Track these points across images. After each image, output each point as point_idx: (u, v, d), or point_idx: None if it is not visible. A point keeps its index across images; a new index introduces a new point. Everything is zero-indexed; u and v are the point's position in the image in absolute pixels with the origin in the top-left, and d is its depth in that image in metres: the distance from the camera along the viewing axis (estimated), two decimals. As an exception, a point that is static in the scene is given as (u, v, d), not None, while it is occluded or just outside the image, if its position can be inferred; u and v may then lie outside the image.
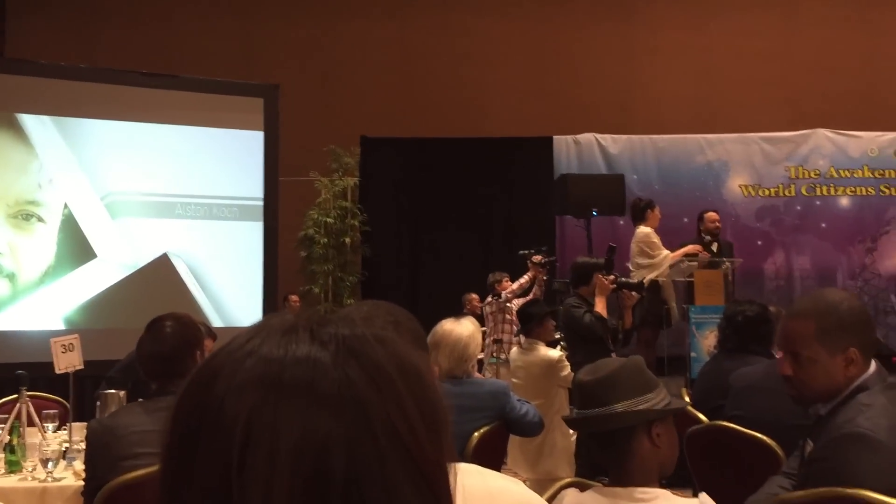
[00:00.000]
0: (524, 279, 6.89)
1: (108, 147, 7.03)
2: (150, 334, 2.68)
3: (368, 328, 0.63)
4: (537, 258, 6.74)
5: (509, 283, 7.11)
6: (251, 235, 7.42)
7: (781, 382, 3.06)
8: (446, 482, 0.62)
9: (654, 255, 6.97)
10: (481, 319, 7.06)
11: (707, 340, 6.21)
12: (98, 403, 3.50)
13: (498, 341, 6.74)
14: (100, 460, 2.49)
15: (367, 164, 9.30)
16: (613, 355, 4.63)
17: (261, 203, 7.45)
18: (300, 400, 0.56)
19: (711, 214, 7.58)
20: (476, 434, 3.18)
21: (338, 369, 0.58)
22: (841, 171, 9.24)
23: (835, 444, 1.81)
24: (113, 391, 3.52)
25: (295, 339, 0.60)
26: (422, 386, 0.62)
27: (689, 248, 7.05)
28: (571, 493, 1.84)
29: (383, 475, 0.56)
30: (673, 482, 1.99)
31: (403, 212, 9.35)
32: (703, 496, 1.70)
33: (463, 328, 3.28)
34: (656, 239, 7.09)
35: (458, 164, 9.18)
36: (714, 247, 7.39)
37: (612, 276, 4.99)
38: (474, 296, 7.83)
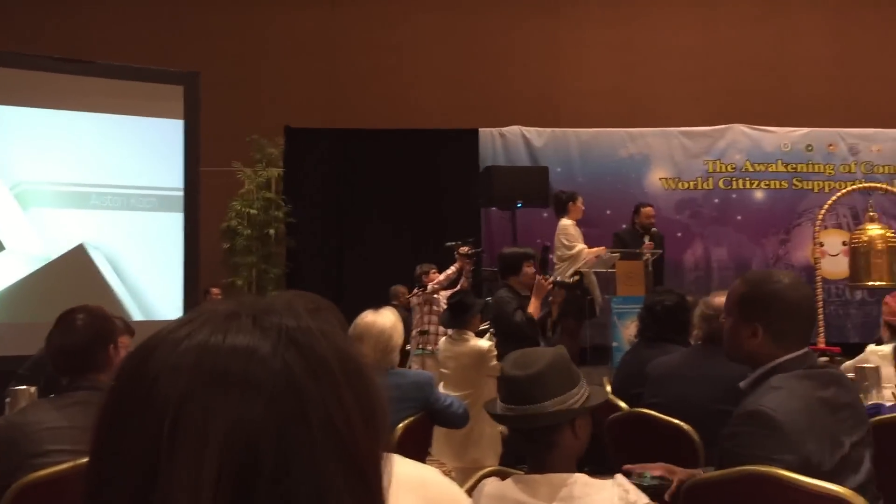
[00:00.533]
0: (451, 270, 6.91)
1: (18, 135, 6.74)
2: (60, 327, 2.57)
3: (314, 321, 0.62)
4: (464, 249, 6.76)
5: (437, 274, 7.13)
6: (171, 227, 7.22)
7: (698, 370, 3.17)
8: (380, 475, 0.62)
9: (570, 246, 7.08)
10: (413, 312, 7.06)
11: (628, 330, 6.34)
12: (7, 400, 3.37)
13: (424, 332, 6.75)
14: (8, 458, 2.39)
15: (292, 155, 9.17)
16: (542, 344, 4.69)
17: (181, 194, 7.26)
18: (233, 387, 0.56)
19: (648, 209, 7.77)
20: (400, 425, 3.17)
21: (277, 359, 0.58)
22: (756, 166, 9.54)
23: (739, 420, 1.88)
24: (23, 387, 3.38)
25: (236, 325, 0.60)
26: (362, 380, 0.62)
27: (599, 249, 7.15)
28: (491, 481, 1.85)
29: (313, 465, 0.56)
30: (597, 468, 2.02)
31: (329, 203, 9.25)
32: (619, 477, 1.74)
33: (385, 319, 3.26)
34: (574, 231, 7.21)
35: (384, 155, 9.14)
36: (647, 239, 7.57)
37: (549, 278, 5.06)
38: (402, 288, 7.82)
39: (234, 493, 0.54)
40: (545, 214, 8.38)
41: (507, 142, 9.24)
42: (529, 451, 1.83)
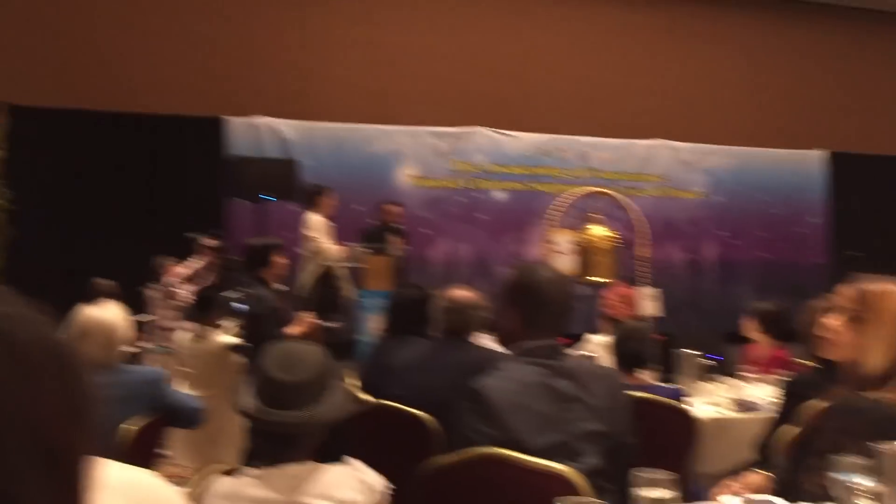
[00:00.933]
0: (193, 263, 6.59)
1: None
2: None
3: (22, 309, 0.60)
4: (208, 242, 6.47)
5: (177, 267, 6.76)
6: None
7: (439, 360, 3.26)
8: (82, 472, 0.60)
9: (320, 244, 7.03)
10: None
11: (374, 323, 6.41)
12: None
13: (162, 328, 6.38)
14: None
15: (17, 137, 8.27)
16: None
17: None
18: None
19: (394, 208, 7.88)
20: (133, 427, 2.95)
21: None
22: (497, 167, 10.07)
23: (461, 396, 1.94)
24: None
25: None
26: (69, 373, 0.60)
27: (347, 247, 7.16)
28: (223, 480, 1.76)
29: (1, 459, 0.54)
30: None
31: (59, 190, 8.46)
32: (352, 460, 1.73)
33: (108, 313, 3.02)
34: (322, 227, 7.17)
35: (122, 140, 8.53)
36: (392, 235, 7.68)
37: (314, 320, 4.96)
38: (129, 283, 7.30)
39: None
40: (295, 208, 8.25)
41: (256, 132, 8.99)
42: (268, 448, 1.76)
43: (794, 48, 11.77)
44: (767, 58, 11.63)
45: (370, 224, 7.98)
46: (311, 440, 1.75)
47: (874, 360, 1.84)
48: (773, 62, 11.65)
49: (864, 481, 1.25)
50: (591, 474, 1.82)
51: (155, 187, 8.51)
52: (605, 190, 9.62)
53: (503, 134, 10.09)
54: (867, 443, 1.76)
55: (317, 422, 1.70)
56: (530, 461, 1.74)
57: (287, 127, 9.15)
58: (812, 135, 11.57)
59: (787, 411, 2.56)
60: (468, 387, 1.94)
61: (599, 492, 1.75)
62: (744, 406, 3.73)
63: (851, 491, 1.25)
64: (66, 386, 0.59)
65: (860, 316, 1.89)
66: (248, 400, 1.76)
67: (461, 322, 3.34)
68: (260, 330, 4.68)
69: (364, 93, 9.79)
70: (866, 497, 1.27)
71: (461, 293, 3.42)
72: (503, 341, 2.15)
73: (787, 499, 1.90)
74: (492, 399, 1.87)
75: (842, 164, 11.58)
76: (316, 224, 7.08)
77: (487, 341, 4.53)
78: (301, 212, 7.70)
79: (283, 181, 7.59)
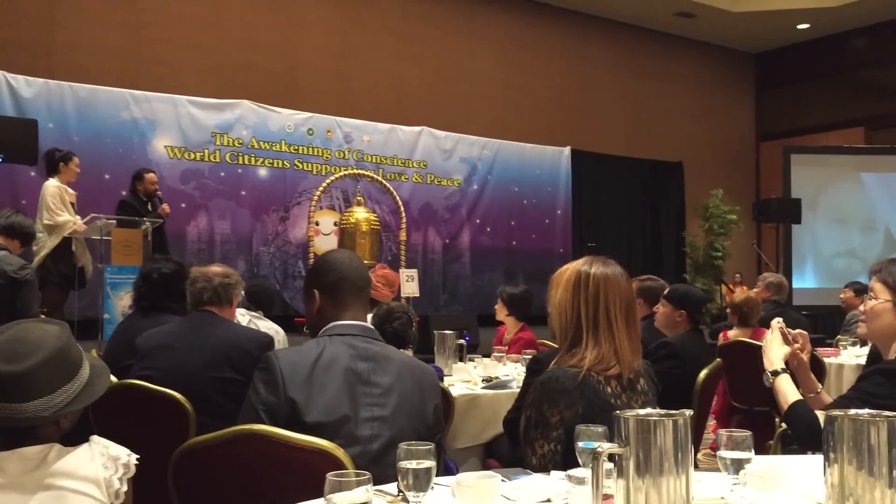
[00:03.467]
0: None
1: None
2: None
3: None
4: None
5: None
6: None
7: (189, 339, 3.13)
8: None
9: (57, 214, 6.44)
10: None
11: (122, 301, 6.02)
12: None
13: None
14: None
15: None
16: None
17: None
18: None
19: (151, 175, 7.41)
20: None
21: None
22: (262, 143, 9.82)
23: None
24: None
25: None
26: None
27: (79, 225, 6.59)
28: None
29: None
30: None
31: None
32: (95, 438, 1.64)
33: None
34: (67, 197, 6.59)
35: None
36: (150, 206, 7.23)
37: None
38: None
39: None
40: (33, 173, 7.53)
41: (-14, 86, 8.06)
42: (1, 437, 1.60)
43: (543, 50, 12.58)
44: (519, 57, 12.33)
45: (124, 195, 7.45)
46: (46, 430, 1.62)
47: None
48: (523, 61, 12.37)
49: (607, 446, 1.37)
50: (373, 459, 1.84)
51: None
52: (369, 173, 9.72)
53: (268, 109, 9.85)
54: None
55: (33, 416, 1.56)
56: (294, 437, 1.73)
57: (24, 84, 8.28)
58: (556, 132, 12.45)
59: (529, 387, 2.74)
60: (261, 356, 1.95)
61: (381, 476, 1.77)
62: (493, 383, 3.94)
63: (597, 455, 1.35)
64: None
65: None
66: None
67: (215, 298, 3.22)
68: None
69: (118, 55, 9.12)
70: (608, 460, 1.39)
71: (216, 269, 3.30)
72: (312, 327, 2.14)
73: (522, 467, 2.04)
74: (273, 365, 1.87)
75: (580, 161, 12.59)
76: (54, 192, 6.48)
77: (244, 318, 4.42)
78: (39, 177, 7.03)
79: (22, 143, 6.87)
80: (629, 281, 2.23)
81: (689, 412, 1.38)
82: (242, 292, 4.71)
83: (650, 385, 2.21)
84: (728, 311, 5.86)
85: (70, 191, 6.70)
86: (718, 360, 3.81)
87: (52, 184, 6.54)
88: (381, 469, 1.76)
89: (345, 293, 2.11)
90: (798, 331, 2.35)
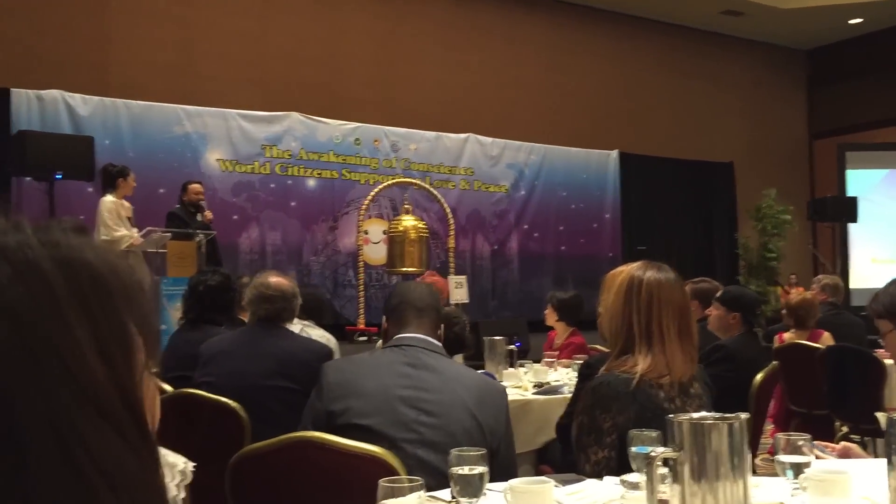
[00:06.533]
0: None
1: None
2: None
3: (44, 234, 0.56)
4: None
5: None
6: None
7: (252, 347, 3.17)
8: (131, 403, 0.56)
9: (114, 229, 6.59)
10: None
11: (178, 312, 6.12)
12: None
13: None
14: None
15: None
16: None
17: None
18: None
19: (195, 186, 7.54)
20: None
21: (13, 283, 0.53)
22: (310, 154, 9.94)
23: None
24: None
25: None
26: (107, 300, 0.56)
27: (146, 231, 6.75)
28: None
29: (44, 399, 0.51)
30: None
31: None
32: None
33: None
34: (124, 212, 6.75)
35: None
36: (209, 214, 7.35)
37: None
38: None
39: None
40: (90, 189, 7.72)
41: (44, 106, 8.28)
42: None
43: (588, 53, 12.50)
44: (564, 61, 12.27)
45: (175, 207, 7.61)
46: None
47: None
48: (568, 65, 12.31)
49: (661, 450, 1.35)
50: (420, 463, 1.85)
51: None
52: (416, 181, 9.76)
53: (315, 120, 9.96)
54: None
55: None
56: (346, 444, 1.75)
57: (81, 102, 8.51)
58: (604, 136, 12.36)
59: (580, 392, 2.73)
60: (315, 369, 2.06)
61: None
62: (544, 389, 3.92)
63: (650, 460, 1.34)
64: (102, 317, 0.55)
65: None
66: None
67: (276, 310, 3.26)
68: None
69: (170, 71, 9.32)
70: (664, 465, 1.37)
71: (277, 280, 3.34)
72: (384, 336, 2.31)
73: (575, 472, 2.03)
74: (325, 374, 1.91)
75: (629, 164, 12.48)
76: (111, 207, 6.64)
77: (296, 326, 4.47)
78: (95, 193, 7.22)
79: (79, 160, 7.06)
80: (683, 288, 2.20)
81: (744, 415, 1.36)
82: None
83: (704, 389, 2.17)
84: (783, 313, 5.73)
85: (126, 205, 6.86)
86: (775, 362, 3.74)
87: (108, 199, 6.71)
88: (431, 475, 1.76)
89: (406, 315, 2.18)
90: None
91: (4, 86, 8.13)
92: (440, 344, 2.17)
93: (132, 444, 0.56)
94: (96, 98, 8.61)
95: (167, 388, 3.24)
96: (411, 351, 2.04)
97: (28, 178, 7.49)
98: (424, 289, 2.31)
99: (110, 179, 6.82)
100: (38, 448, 0.51)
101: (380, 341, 2.37)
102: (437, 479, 1.66)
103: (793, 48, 14.75)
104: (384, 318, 2.28)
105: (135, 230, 6.75)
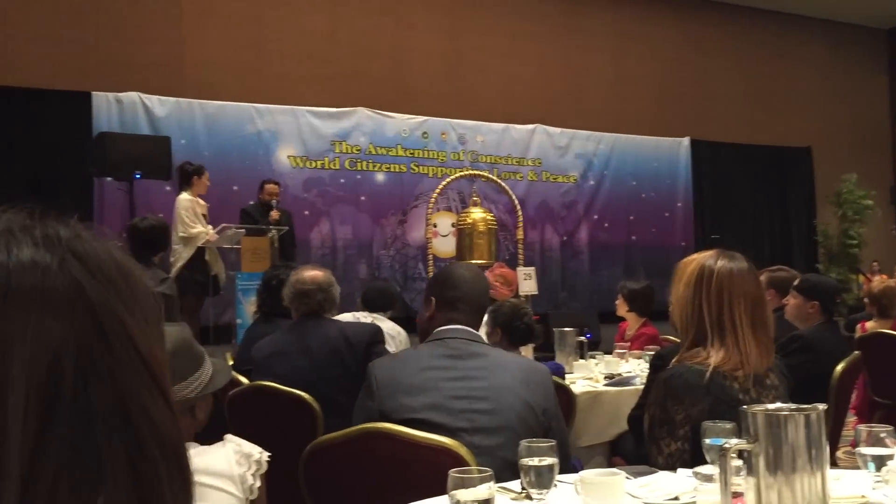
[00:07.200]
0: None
1: None
2: None
3: (81, 227, 0.61)
4: None
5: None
6: None
7: (298, 344, 3.23)
8: (168, 376, 0.62)
9: (191, 226, 6.77)
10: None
11: (252, 307, 6.26)
12: None
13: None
14: None
15: None
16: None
17: None
18: (30, 307, 0.55)
19: (270, 186, 7.69)
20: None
21: (65, 273, 0.57)
22: (378, 149, 10.02)
23: None
24: None
25: (14, 241, 0.57)
26: (137, 283, 0.62)
27: (220, 228, 6.91)
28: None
29: (114, 378, 0.56)
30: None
31: None
32: (229, 437, 1.73)
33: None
34: (199, 209, 6.93)
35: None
36: (274, 214, 7.49)
37: None
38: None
39: (40, 418, 0.53)
40: (167, 188, 7.95)
41: (123, 108, 8.57)
42: None
43: (655, 40, 12.26)
44: (631, 48, 12.07)
45: (249, 204, 7.78)
46: (182, 421, 1.72)
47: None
48: (635, 52, 12.10)
49: (734, 442, 1.33)
50: (477, 453, 1.87)
51: (17, 164, 8.00)
52: (484, 173, 9.74)
53: (384, 115, 10.04)
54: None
55: (189, 400, 1.68)
56: (417, 435, 1.76)
57: (158, 103, 8.77)
58: (674, 123, 12.12)
59: (652, 384, 2.69)
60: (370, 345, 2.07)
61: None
62: (616, 380, 3.88)
63: (724, 452, 1.32)
64: (140, 297, 0.60)
65: None
66: None
67: (323, 301, 3.30)
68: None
69: (241, 70, 9.51)
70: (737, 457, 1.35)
71: (311, 274, 3.37)
72: (421, 332, 2.22)
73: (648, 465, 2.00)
74: (372, 374, 1.94)
75: (700, 151, 12.21)
76: (187, 205, 6.82)
77: (367, 319, 4.52)
78: (173, 191, 7.43)
79: (156, 159, 7.28)
80: (757, 277, 2.14)
81: (822, 406, 1.32)
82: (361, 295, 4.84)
83: (781, 380, 2.12)
84: (865, 301, 5.54)
85: (202, 202, 7.05)
86: (857, 352, 3.62)
87: (184, 197, 6.89)
88: (490, 460, 1.76)
89: (460, 311, 2.15)
90: None
91: (86, 89, 8.42)
92: (479, 333, 2.17)
93: (174, 412, 0.61)
94: (172, 99, 8.86)
95: (243, 380, 3.32)
96: (453, 342, 2.04)
97: (109, 179, 7.74)
98: (482, 286, 2.26)
99: (186, 178, 7.01)
100: (106, 425, 0.55)
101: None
102: (496, 462, 1.67)
103: (872, 27, 14.19)
104: (432, 299, 2.20)
105: (209, 227, 6.93)
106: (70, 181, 7.96)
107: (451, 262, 2.30)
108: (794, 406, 1.34)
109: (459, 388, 1.95)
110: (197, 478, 1.75)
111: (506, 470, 1.69)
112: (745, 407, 1.35)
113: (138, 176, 7.14)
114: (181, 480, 0.60)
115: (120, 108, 8.55)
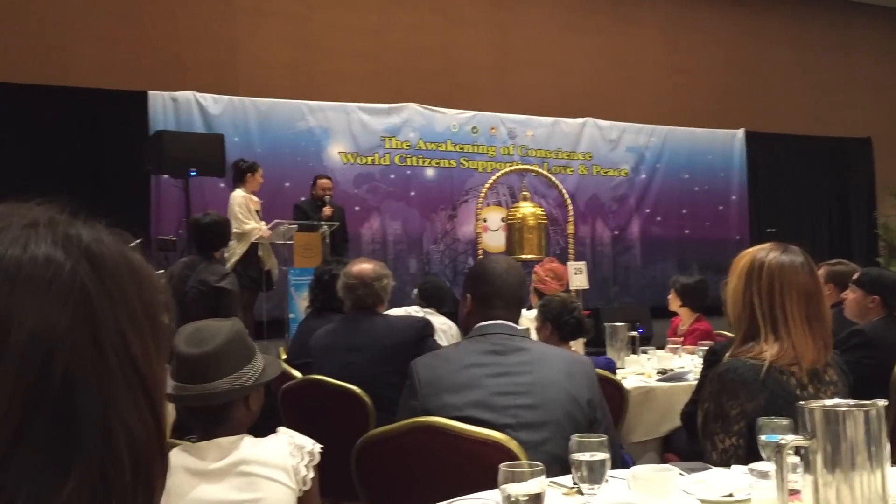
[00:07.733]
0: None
1: None
2: None
3: (106, 231, 0.62)
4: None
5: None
6: None
7: (353, 339, 3.25)
8: (163, 389, 0.62)
9: (244, 222, 6.88)
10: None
11: (305, 301, 6.34)
12: None
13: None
14: None
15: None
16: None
17: None
18: (34, 301, 0.55)
19: (323, 181, 7.80)
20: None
21: (75, 277, 0.57)
22: (428, 144, 10.05)
23: None
24: None
25: (34, 237, 0.58)
26: (152, 295, 0.62)
27: (274, 224, 7.00)
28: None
29: (101, 386, 0.56)
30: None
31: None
32: (283, 429, 1.77)
33: None
34: (252, 205, 7.03)
35: (37, 113, 8.18)
36: (327, 210, 7.56)
37: None
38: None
39: (17, 429, 0.53)
40: (222, 185, 8.08)
41: (179, 107, 8.74)
42: (199, 424, 1.78)
43: (709, 30, 12.04)
44: (684, 39, 11.87)
45: (302, 200, 7.88)
46: (237, 411, 1.77)
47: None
48: (689, 43, 11.90)
49: (791, 438, 1.30)
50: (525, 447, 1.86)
51: (78, 162, 8.22)
52: (534, 168, 9.70)
53: (433, 110, 10.05)
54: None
55: (225, 391, 1.72)
56: (468, 429, 1.77)
57: (212, 101, 8.93)
58: (728, 115, 11.89)
59: (706, 379, 2.66)
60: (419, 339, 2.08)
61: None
62: (668, 376, 3.83)
63: (780, 448, 1.29)
64: (148, 307, 0.60)
65: None
66: (169, 381, 1.77)
67: (366, 296, 3.32)
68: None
69: (292, 68, 9.63)
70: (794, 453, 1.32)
71: (360, 267, 3.39)
72: (463, 328, 2.23)
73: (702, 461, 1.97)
74: (414, 372, 1.96)
75: (756, 143, 11.96)
76: (241, 201, 6.94)
77: (418, 314, 4.54)
78: (227, 188, 7.56)
79: (211, 157, 7.42)
80: (812, 270, 2.09)
81: (882, 403, 1.29)
82: (416, 290, 4.85)
83: (840, 376, 2.07)
84: (929, 296, 5.36)
85: (255, 199, 7.16)
86: (919, 348, 3.51)
87: (238, 194, 7.00)
88: (538, 455, 1.76)
89: (494, 307, 2.14)
90: None
91: (142, 89, 8.61)
92: (521, 324, 2.17)
93: (161, 426, 0.61)
94: (226, 97, 9.00)
95: (296, 374, 3.37)
96: (495, 338, 2.03)
97: (165, 176, 7.91)
98: (515, 278, 2.23)
99: (240, 175, 7.12)
100: (84, 438, 0.55)
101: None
102: (542, 457, 1.66)
103: (937, 13, 13.74)
104: (468, 297, 2.19)
105: (263, 223, 7.03)
106: (128, 178, 8.15)
107: (484, 256, 2.27)
108: (853, 402, 1.31)
109: (503, 385, 1.95)
110: (252, 469, 1.80)
111: (552, 465, 1.69)
112: (802, 403, 1.33)
113: (194, 173, 7.28)
114: (144, 499, 0.59)
115: (175, 107, 8.72)
